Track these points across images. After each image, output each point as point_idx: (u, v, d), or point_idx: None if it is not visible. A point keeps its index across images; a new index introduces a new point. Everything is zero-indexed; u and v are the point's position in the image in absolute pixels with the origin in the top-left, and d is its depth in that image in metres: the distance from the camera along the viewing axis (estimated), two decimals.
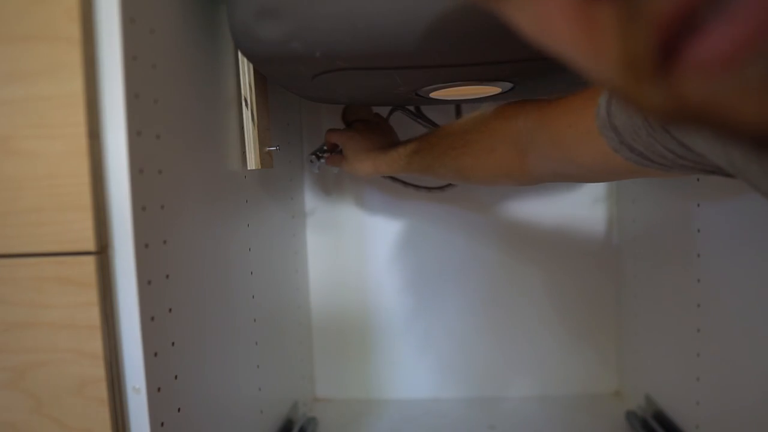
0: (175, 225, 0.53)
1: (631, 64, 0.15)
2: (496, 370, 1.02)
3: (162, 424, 0.48)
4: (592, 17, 0.16)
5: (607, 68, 0.16)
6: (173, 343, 0.51)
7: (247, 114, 0.68)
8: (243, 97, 0.68)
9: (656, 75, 0.15)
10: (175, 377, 0.51)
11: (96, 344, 0.45)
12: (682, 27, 0.14)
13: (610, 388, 1.01)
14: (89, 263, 0.45)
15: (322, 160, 0.88)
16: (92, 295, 0.45)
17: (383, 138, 0.82)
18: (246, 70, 0.68)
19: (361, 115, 0.98)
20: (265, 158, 0.71)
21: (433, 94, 0.68)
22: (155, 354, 0.48)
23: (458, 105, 0.90)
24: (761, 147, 0.15)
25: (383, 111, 0.91)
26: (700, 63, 0.14)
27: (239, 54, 0.68)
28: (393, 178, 0.96)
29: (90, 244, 0.44)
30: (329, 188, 1.01)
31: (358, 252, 1.02)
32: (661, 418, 0.82)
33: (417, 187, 0.96)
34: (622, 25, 0.15)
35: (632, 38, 0.15)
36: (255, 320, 0.73)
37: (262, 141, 0.71)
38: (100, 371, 0.45)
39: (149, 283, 0.47)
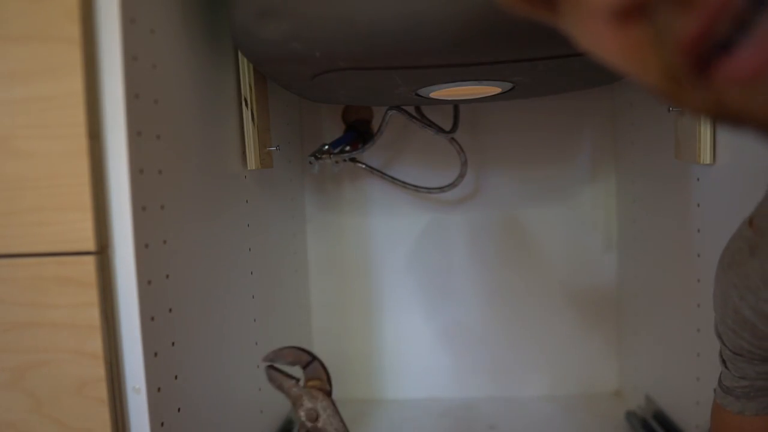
0: (175, 225, 0.53)
1: (670, 77, 0.17)
2: (497, 370, 1.02)
3: (162, 424, 0.48)
4: (632, 38, 0.17)
5: (653, 79, 0.18)
6: (173, 343, 0.51)
7: (247, 114, 0.68)
8: (243, 97, 0.68)
9: (694, 85, 0.17)
10: (175, 377, 0.51)
11: (96, 344, 0.45)
12: (708, 47, 0.16)
13: (610, 388, 1.01)
14: (89, 263, 0.45)
15: (321, 161, 0.88)
16: (92, 295, 0.45)
17: None
18: (246, 70, 0.68)
19: (361, 115, 0.98)
20: (265, 158, 0.71)
21: (433, 94, 0.68)
22: (155, 354, 0.48)
23: (457, 105, 0.90)
24: None
25: (382, 111, 0.91)
26: (729, 78, 0.16)
27: (239, 54, 0.68)
28: (393, 179, 0.96)
29: (90, 244, 0.44)
30: (329, 188, 1.01)
31: (358, 251, 1.02)
32: (661, 418, 0.82)
33: (417, 187, 0.96)
34: (657, 46, 0.17)
35: (667, 57, 0.17)
36: (255, 320, 0.73)
37: (262, 141, 0.71)
38: (100, 371, 0.45)
39: (149, 283, 0.47)
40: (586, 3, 0.18)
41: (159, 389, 0.48)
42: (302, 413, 0.59)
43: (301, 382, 0.60)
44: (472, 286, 1.01)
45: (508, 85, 0.65)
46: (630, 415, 0.89)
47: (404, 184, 0.97)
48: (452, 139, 0.90)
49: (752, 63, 0.15)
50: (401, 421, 0.95)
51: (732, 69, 0.16)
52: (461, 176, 0.93)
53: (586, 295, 1.00)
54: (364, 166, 0.96)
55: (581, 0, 0.18)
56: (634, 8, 0.17)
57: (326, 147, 0.88)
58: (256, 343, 0.73)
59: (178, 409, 0.52)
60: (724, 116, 0.18)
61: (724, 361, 0.49)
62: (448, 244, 1.01)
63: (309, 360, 0.61)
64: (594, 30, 0.18)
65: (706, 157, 0.63)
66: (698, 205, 0.69)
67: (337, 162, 0.90)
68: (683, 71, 0.17)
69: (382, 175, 0.97)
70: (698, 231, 0.69)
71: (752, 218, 0.44)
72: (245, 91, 0.68)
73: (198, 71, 0.59)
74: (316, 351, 1.02)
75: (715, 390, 0.51)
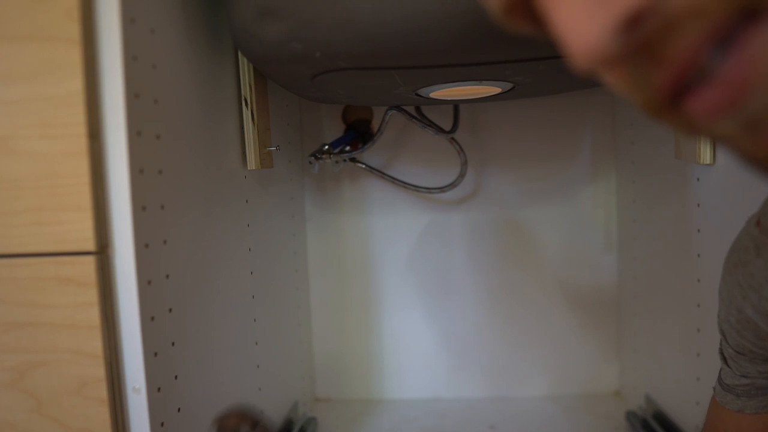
0: (175, 225, 0.53)
1: (650, 106, 0.21)
2: (496, 370, 1.02)
3: (162, 424, 0.48)
4: (616, 75, 0.21)
5: (637, 105, 0.22)
6: (173, 343, 0.51)
7: (247, 114, 0.68)
8: (243, 97, 0.68)
9: (669, 113, 0.21)
10: (175, 377, 0.51)
11: (96, 344, 0.45)
12: (677, 90, 0.19)
13: (610, 388, 1.01)
14: (89, 263, 0.45)
15: (321, 161, 0.88)
16: (92, 295, 0.45)
17: None
18: (246, 70, 0.68)
19: (361, 115, 0.98)
20: (265, 158, 0.71)
21: (433, 94, 0.68)
22: (155, 354, 0.48)
23: (457, 105, 0.90)
24: (760, 171, 0.21)
25: (381, 111, 0.91)
26: (696, 111, 0.20)
27: (239, 54, 0.68)
28: (393, 179, 0.96)
29: (90, 244, 0.44)
30: (329, 188, 1.01)
31: (358, 251, 1.02)
32: (661, 418, 0.82)
33: (417, 187, 0.96)
34: (636, 86, 0.21)
35: (645, 94, 0.21)
36: (255, 320, 0.73)
37: (262, 141, 0.71)
38: (100, 371, 0.45)
39: (149, 283, 0.47)
40: (569, 51, 0.20)
41: (159, 389, 0.48)
42: None
43: None
44: (472, 286, 1.01)
45: (508, 85, 0.65)
46: (630, 415, 0.89)
47: (404, 184, 0.97)
48: (452, 139, 0.90)
49: (711, 101, 0.19)
50: (401, 421, 0.95)
51: (696, 105, 0.19)
52: (461, 176, 0.93)
53: (586, 295, 1.00)
54: (364, 166, 0.96)
55: (566, 46, 0.20)
56: (612, 61, 0.19)
57: (326, 147, 0.88)
58: (256, 343, 0.73)
59: (178, 409, 0.52)
60: (701, 135, 0.22)
61: (725, 359, 0.49)
62: (448, 243, 1.01)
63: (254, 421, 0.57)
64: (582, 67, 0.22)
65: (706, 157, 0.63)
66: (698, 205, 0.69)
67: (337, 162, 0.90)
68: (661, 105, 0.21)
69: (382, 175, 0.97)
70: (698, 231, 0.69)
71: (759, 217, 0.44)
72: (245, 91, 0.68)
73: (198, 71, 0.59)
74: (316, 351, 1.03)
75: (714, 388, 0.51)
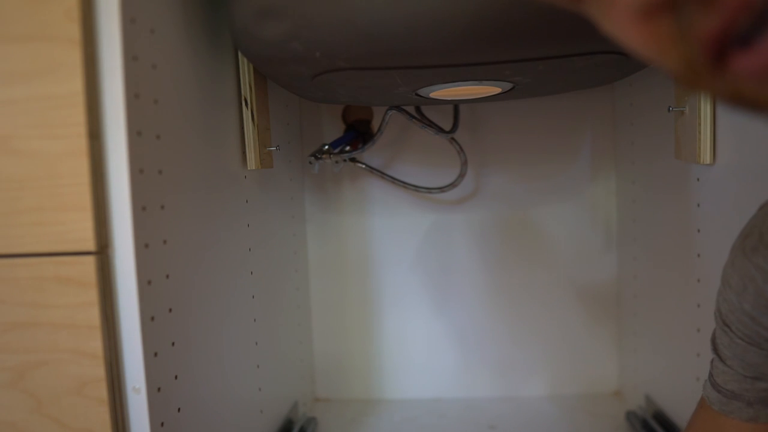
0: (175, 225, 0.53)
1: (690, 66, 0.19)
2: (497, 370, 1.02)
3: (162, 424, 0.48)
4: (656, 31, 0.19)
5: (673, 66, 0.20)
6: (173, 343, 0.51)
7: (247, 114, 0.68)
8: (243, 97, 0.68)
9: (713, 75, 0.18)
10: (175, 377, 0.51)
11: (96, 344, 0.45)
12: (727, 42, 0.17)
13: (610, 388, 1.01)
14: (89, 263, 0.45)
15: (321, 161, 0.88)
16: (92, 295, 0.45)
17: None
18: (246, 70, 0.68)
19: (361, 115, 0.98)
20: (265, 158, 0.71)
21: (433, 94, 0.68)
22: (155, 354, 0.48)
23: (457, 105, 0.90)
24: None
25: (381, 111, 0.91)
26: (746, 70, 0.17)
27: (239, 54, 0.68)
28: (393, 179, 0.96)
29: (90, 244, 0.44)
30: (329, 188, 1.01)
31: (358, 251, 1.02)
32: (661, 418, 0.82)
33: (417, 187, 0.96)
34: (679, 39, 0.18)
35: (688, 49, 0.18)
36: (255, 320, 0.73)
37: (262, 141, 0.71)
38: (100, 371, 0.45)
39: (149, 283, 0.47)
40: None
41: (159, 389, 0.48)
42: None
43: None
44: (472, 286, 1.01)
45: (508, 85, 0.65)
46: (630, 415, 0.89)
47: (404, 184, 0.97)
48: (452, 139, 0.90)
49: (767, 58, 0.16)
50: (401, 421, 0.95)
51: (748, 62, 0.17)
52: (461, 176, 0.93)
53: (586, 295, 1.00)
54: (364, 166, 0.96)
55: None
56: (660, 5, 0.18)
57: (326, 147, 0.88)
58: (256, 343, 0.73)
59: (178, 409, 0.52)
60: (741, 103, 0.19)
61: (722, 360, 0.46)
62: (447, 243, 1.01)
63: None
64: (618, 21, 0.19)
65: (706, 157, 0.63)
66: (698, 205, 0.69)
67: (337, 162, 0.90)
68: (703, 62, 0.18)
69: (382, 175, 0.97)
70: (698, 231, 0.69)
71: None
72: (245, 91, 0.68)
73: (198, 71, 0.59)
74: (316, 351, 1.03)
75: (708, 397, 0.47)
